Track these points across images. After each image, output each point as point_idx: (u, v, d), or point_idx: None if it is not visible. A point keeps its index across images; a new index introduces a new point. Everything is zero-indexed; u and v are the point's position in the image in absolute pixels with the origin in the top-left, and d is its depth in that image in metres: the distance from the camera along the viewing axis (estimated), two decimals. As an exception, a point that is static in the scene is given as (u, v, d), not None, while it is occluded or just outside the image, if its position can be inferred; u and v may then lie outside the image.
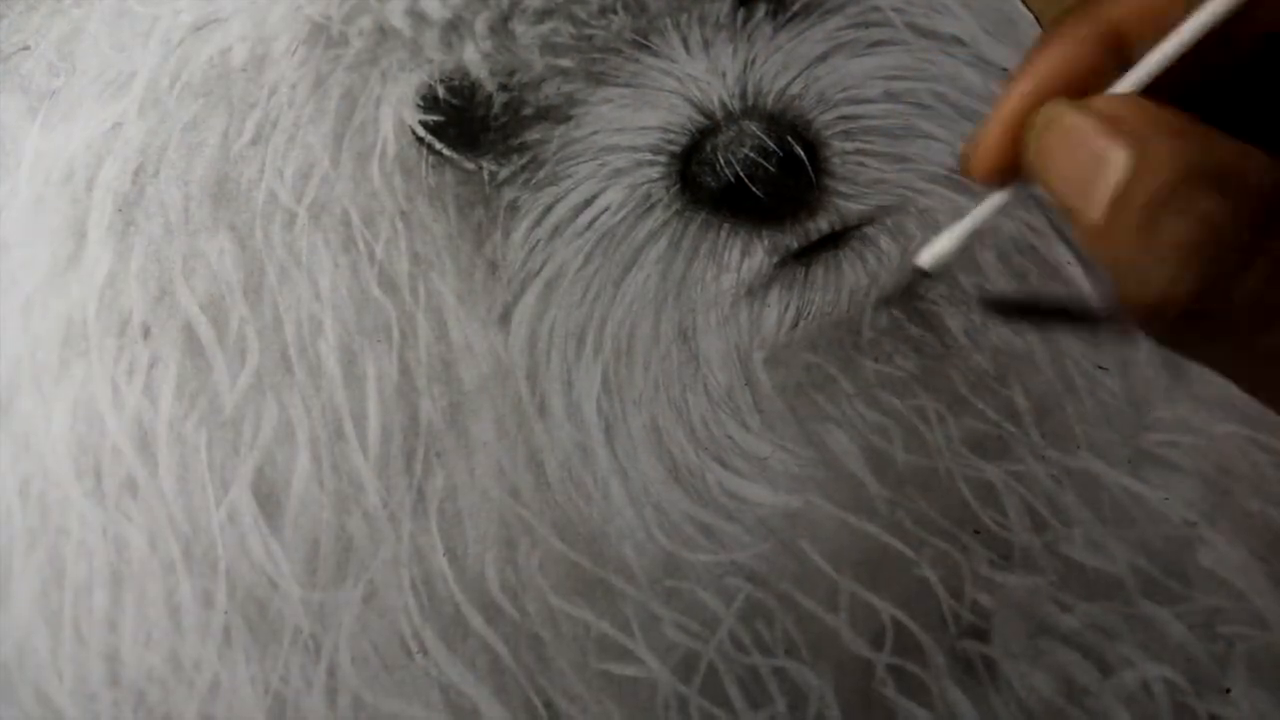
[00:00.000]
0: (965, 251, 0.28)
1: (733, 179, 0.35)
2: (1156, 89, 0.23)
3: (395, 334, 0.35)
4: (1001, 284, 0.35)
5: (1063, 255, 0.36)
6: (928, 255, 0.28)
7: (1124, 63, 0.24)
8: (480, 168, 0.38)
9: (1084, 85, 0.24)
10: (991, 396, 0.33)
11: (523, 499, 0.32)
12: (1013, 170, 0.26)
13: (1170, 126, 0.22)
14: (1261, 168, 0.21)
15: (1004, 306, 0.36)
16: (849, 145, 0.36)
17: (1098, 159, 0.22)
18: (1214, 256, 0.21)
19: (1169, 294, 0.21)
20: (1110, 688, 0.30)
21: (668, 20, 0.39)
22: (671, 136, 0.36)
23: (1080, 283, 0.35)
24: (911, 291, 0.34)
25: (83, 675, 0.29)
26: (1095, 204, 0.22)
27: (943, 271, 0.29)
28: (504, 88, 0.38)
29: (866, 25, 0.39)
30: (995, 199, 0.27)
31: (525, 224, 0.37)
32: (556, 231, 0.36)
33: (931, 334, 0.35)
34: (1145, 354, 0.34)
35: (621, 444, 0.33)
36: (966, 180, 0.28)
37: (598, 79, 0.38)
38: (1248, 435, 0.33)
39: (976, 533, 0.31)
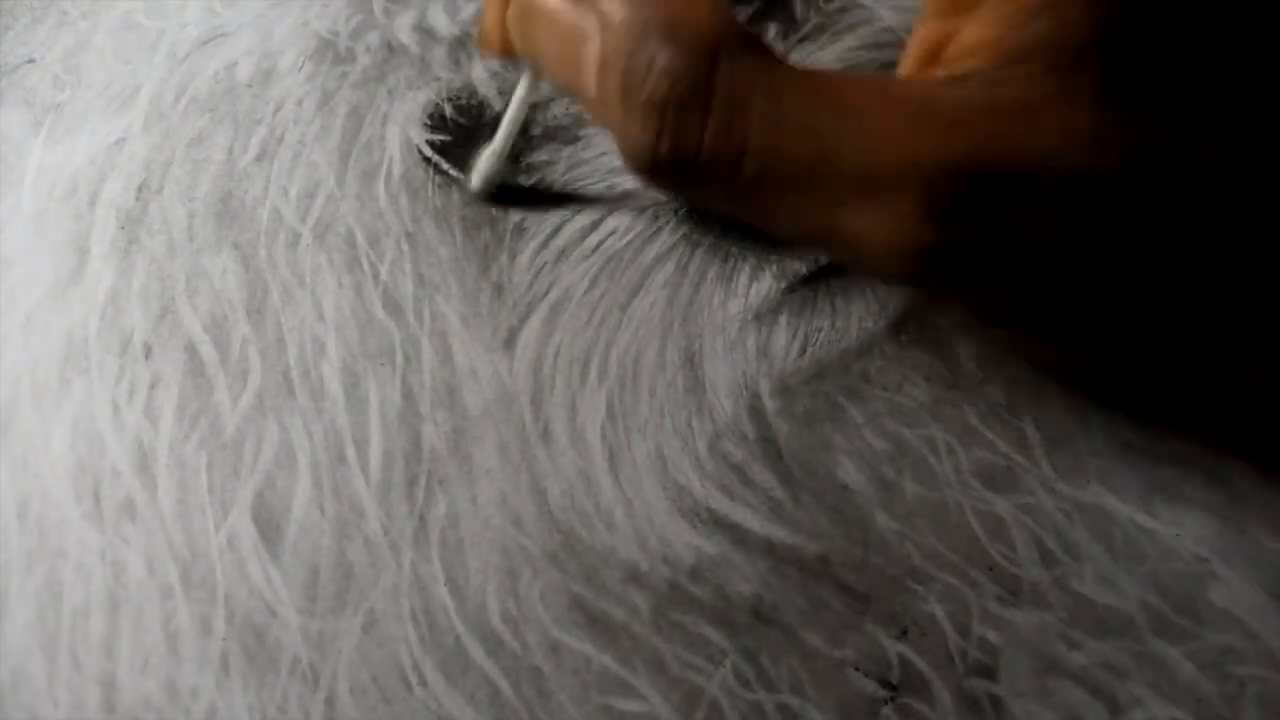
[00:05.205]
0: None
1: (742, 203, 0.34)
2: None
3: (399, 357, 0.34)
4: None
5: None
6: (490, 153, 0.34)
7: None
8: (487, 188, 0.37)
9: None
10: (1002, 427, 0.33)
11: (525, 528, 0.31)
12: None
13: None
14: (706, 13, 0.22)
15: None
16: (860, 170, 0.36)
17: (577, 34, 0.23)
18: (677, 103, 0.22)
19: (647, 148, 0.22)
20: (1119, 727, 0.29)
21: (678, 41, 0.38)
22: (680, 159, 0.36)
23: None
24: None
25: (78, 702, 0.29)
26: (586, 79, 0.23)
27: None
28: (512, 107, 0.38)
29: (879, 47, 0.39)
30: (520, 89, 0.32)
31: (532, 246, 0.36)
32: (563, 254, 0.36)
33: (942, 362, 0.34)
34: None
35: (626, 472, 0.32)
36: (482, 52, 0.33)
37: (606, 99, 0.38)
38: (1263, 470, 0.32)
39: (986, 568, 0.31)
